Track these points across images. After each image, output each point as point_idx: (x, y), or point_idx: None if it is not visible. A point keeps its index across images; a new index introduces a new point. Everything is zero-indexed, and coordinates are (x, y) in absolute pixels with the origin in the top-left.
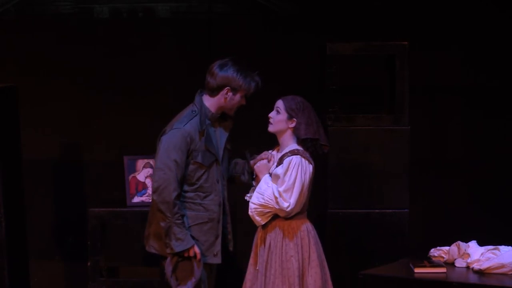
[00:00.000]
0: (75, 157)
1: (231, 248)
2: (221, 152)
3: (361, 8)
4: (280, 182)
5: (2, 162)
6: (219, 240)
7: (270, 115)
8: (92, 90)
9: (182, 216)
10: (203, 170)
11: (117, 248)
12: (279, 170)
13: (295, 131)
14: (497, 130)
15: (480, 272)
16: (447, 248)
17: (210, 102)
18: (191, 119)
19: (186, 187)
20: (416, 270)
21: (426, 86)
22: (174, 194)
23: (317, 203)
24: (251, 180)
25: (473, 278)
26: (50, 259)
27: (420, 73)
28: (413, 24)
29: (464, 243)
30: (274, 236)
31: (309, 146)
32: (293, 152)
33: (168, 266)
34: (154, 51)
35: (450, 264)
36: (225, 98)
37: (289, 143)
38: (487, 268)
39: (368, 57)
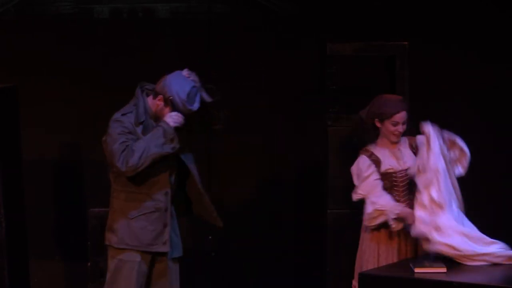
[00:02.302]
0: (75, 157)
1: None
2: None
3: (361, 8)
4: None
5: (2, 162)
6: (168, 228)
7: (401, 130)
8: (92, 90)
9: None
10: None
11: None
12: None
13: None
14: (497, 130)
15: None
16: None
17: (151, 102)
18: (131, 111)
19: (130, 178)
20: (416, 270)
21: (426, 86)
22: (132, 147)
23: (317, 203)
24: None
25: (473, 278)
26: (50, 259)
27: (420, 73)
28: (413, 24)
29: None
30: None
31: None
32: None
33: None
34: (153, 51)
35: (449, 261)
36: (157, 105)
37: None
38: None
39: (368, 57)
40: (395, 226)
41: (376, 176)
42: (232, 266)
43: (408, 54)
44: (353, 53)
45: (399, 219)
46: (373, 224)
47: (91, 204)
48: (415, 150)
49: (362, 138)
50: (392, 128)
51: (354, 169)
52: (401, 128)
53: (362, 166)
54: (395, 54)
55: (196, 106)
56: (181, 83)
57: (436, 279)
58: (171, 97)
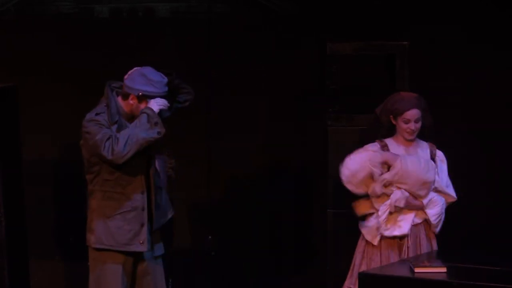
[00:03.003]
0: (75, 157)
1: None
2: None
3: (361, 8)
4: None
5: (2, 162)
6: (145, 228)
7: (413, 128)
8: (92, 90)
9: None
10: None
11: None
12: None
13: (425, 124)
14: (497, 130)
15: None
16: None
17: (123, 103)
18: (103, 112)
19: (107, 176)
20: (416, 269)
21: (426, 86)
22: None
23: (317, 203)
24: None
25: (473, 278)
26: (50, 259)
27: (420, 73)
28: (413, 24)
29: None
30: None
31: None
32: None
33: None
34: (153, 51)
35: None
36: (131, 105)
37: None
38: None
39: (368, 57)
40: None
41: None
42: (232, 266)
43: (408, 54)
44: (353, 53)
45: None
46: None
47: None
48: (434, 158)
49: (376, 135)
50: (404, 126)
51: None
52: (413, 126)
53: (368, 146)
54: (395, 54)
55: (165, 81)
56: (138, 76)
57: (436, 279)
58: (140, 93)
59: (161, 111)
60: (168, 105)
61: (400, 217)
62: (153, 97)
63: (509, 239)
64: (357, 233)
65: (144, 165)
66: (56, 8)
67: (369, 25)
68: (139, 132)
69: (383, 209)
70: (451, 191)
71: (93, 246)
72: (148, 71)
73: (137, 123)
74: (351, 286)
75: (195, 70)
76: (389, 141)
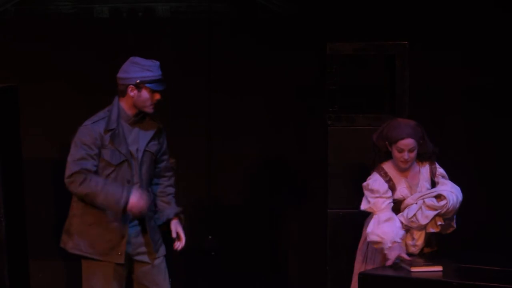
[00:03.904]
0: None
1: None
2: (139, 154)
3: (361, 8)
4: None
5: (2, 162)
6: (125, 240)
7: (406, 158)
8: (92, 90)
9: (102, 179)
10: (112, 169)
11: None
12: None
13: (422, 150)
14: (497, 130)
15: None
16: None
17: (123, 104)
18: (103, 118)
19: None
20: (413, 269)
21: (426, 86)
22: (86, 176)
23: (317, 203)
24: (161, 228)
25: (473, 278)
26: (50, 259)
27: (420, 73)
28: (413, 24)
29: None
30: None
31: (431, 152)
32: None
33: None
34: (154, 51)
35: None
36: (132, 97)
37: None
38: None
39: (368, 57)
40: (390, 257)
41: (390, 200)
42: (232, 266)
43: (408, 54)
44: (353, 53)
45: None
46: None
47: None
48: (434, 177)
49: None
50: (398, 155)
51: (369, 184)
52: (406, 155)
53: (380, 187)
54: (395, 54)
55: (158, 64)
56: (131, 66)
57: (436, 279)
58: (138, 80)
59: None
60: (143, 213)
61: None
62: (150, 82)
63: (509, 239)
64: (358, 233)
65: (129, 176)
66: (56, 8)
67: (369, 25)
68: (103, 197)
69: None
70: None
71: (70, 251)
72: (138, 59)
73: (111, 190)
74: None
75: (195, 70)
76: (388, 167)
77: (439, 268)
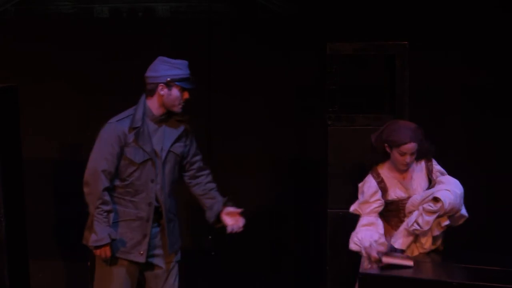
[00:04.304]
0: (75, 157)
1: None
2: (163, 154)
3: (361, 8)
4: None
5: (2, 162)
6: (147, 240)
7: (408, 161)
8: (92, 90)
9: (107, 212)
10: (135, 167)
11: None
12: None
13: (421, 151)
14: (497, 129)
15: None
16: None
17: (151, 103)
18: (128, 116)
19: (117, 182)
20: (384, 258)
21: (426, 86)
22: (101, 188)
23: (317, 203)
24: (216, 224)
25: (473, 278)
26: (50, 259)
27: (420, 73)
28: (413, 24)
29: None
30: None
31: (428, 151)
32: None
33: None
34: (154, 51)
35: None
36: (162, 95)
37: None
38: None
39: (368, 57)
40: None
41: (377, 204)
42: (232, 266)
43: (408, 54)
44: (353, 53)
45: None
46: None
47: None
48: (431, 174)
49: (372, 160)
50: (400, 158)
51: (361, 187)
52: (408, 158)
53: (368, 191)
54: (395, 54)
55: (187, 63)
56: (160, 64)
57: (436, 279)
58: (168, 78)
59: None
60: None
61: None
62: (181, 80)
63: (509, 239)
64: None
65: (154, 176)
66: (55, 8)
67: (369, 25)
68: (92, 208)
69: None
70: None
71: (91, 245)
72: (166, 58)
73: (98, 227)
74: None
75: (195, 70)
76: (384, 172)
77: (410, 263)
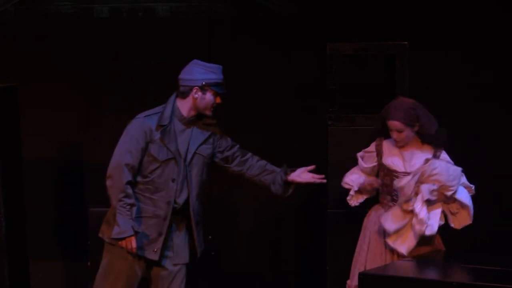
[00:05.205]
0: (75, 157)
1: (198, 255)
2: (188, 155)
3: (361, 8)
4: None
5: (2, 162)
6: (162, 238)
7: (394, 137)
8: (92, 90)
9: (130, 205)
10: (157, 165)
11: None
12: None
13: (422, 131)
14: (497, 130)
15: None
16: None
17: (181, 104)
18: (157, 113)
19: (139, 178)
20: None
21: (426, 86)
22: (124, 181)
23: (317, 203)
24: (286, 193)
25: (473, 278)
26: (50, 259)
27: (420, 73)
28: (413, 24)
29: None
30: None
31: (436, 136)
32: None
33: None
34: (154, 51)
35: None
36: (195, 99)
37: (415, 141)
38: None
39: (368, 57)
40: (352, 200)
41: (369, 164)
42: (232, 266)
43: (408, 54)
44: (353, 53)
45: (363, 189)
46: (350, 202)
47: (91, 204)
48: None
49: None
50: (390, 132)
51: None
52: (395, 135)
53: (364, 152)
54: (395, 54)
55: (221, 67)
56: (195, 67)
57: (436, 279)
58: (204, 82)
59: None
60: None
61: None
62: (215, 84)
63: (509, 239)
64: (358, 233)
65: (176, 176)
66: (55, 8)
67: (369, 25)
68: (115, 200)
69: (418, 206)
70: (468, 183)
71: (107, 240)
72: (201, 61)
73: (121, 219)
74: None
75: None
76: (386, 141)
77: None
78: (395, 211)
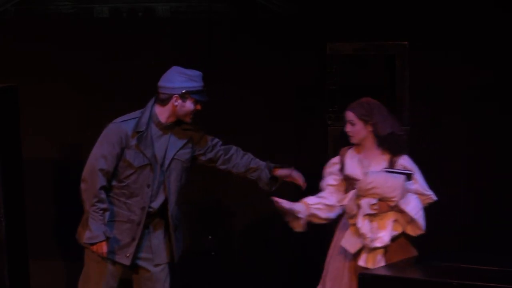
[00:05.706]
0: (75, 157)
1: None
2: (166, 161)
3: (361, 8)
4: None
5: (2, 162)
6: (135, 243)
7: (347, 129)
8: (92, 90)
9: (103, 210)
10: (133, 170)
11: None
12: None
13: (375, 132)
14: (497, 130)
15: None
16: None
17: (160, 111)
18: (134, 118)
19: (114, 182)
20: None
21: (426, 86)
22: (98, 185)
23: None
24: (272, 189)
25: (473, 278)
26: (50, 259)
27: (420, 73)
28: (413, 24)
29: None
30: None
31: (391, 141)
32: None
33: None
34: (154, 51)
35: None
36: (175, 106)
37: (373, 146)
38: None
39: (368, 57)
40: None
41: (330, 181)
42: (232, 266)
43: (408, 54)
44: (353, 53)
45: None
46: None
47: None
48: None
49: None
50: (345, 126)
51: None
52: (348, 127)
53: (327, 166)
54: (395, 54)
55: (201, 74)
56: (176, 75)
57: (436, 279)
58: (184, 90)
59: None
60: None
61: (380, 230)
62: (196, 92)
63: (509, 239)
64: None
65: (152, 181)
66: (56, 8)
67: (369, 25)
68: (88, 205)
69: (359, 222)
70: (424, 190)
71: (82, 242)
72: (181, 69)
73: (93, 225)
74: None
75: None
76: (350, 149)
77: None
78: (351, 228)
